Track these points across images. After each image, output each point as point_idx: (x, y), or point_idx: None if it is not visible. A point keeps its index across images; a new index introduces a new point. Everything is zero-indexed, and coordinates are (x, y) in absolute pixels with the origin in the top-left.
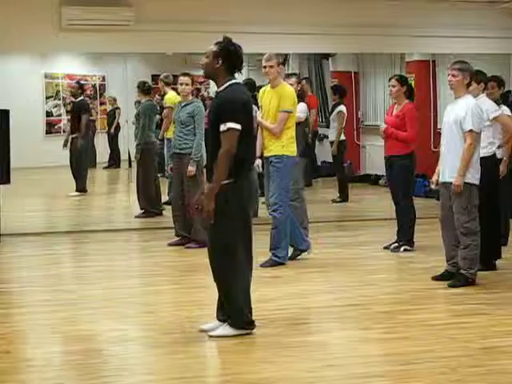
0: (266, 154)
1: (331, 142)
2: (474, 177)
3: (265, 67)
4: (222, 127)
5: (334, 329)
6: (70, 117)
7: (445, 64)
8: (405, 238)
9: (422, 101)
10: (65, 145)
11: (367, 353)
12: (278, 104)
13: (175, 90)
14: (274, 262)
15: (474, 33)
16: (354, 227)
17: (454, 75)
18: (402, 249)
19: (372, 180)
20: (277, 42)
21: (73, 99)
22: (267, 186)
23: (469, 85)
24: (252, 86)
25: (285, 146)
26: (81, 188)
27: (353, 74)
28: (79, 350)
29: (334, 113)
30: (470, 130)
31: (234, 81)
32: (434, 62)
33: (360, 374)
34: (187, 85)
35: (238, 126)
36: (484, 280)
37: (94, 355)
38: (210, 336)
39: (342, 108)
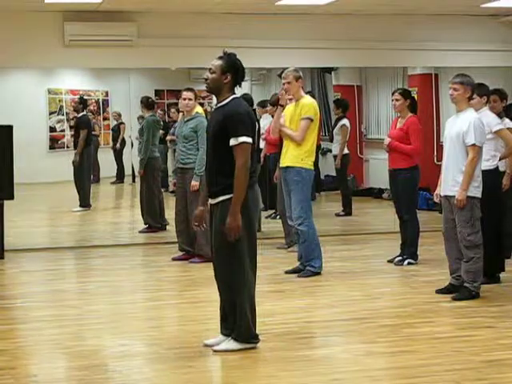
0: (282, 164)
1: (335, 156)
2: (476, 190)
3: (283, 84)
4: (234, 141)
5: (338, 343)
6: (73, 132)
7: (448, 77)
8: (409, 251)
9: (424, 114)
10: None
11: (372, 366)
12: (300, 114)
13: (201, 104)
14: (312, 273)
15: (477, 46)
16: (357, 241)
17: (455, 89)
18: (406, 262)
19: (375, 193)
20: (279, 56)
21: (76, 114)
22: (280, 194)
23: (470, 98)
24: (249, 101)
25: (303, 159)
26: (84, 203)
27: (355, 88)
28: (84, 366)
29: (338, 127)
30: (473, 144)
31: (236, 95)
32: (436, 75)
33: None
34: (190, 100)
35: (250, 140)
36: (488, 293)
37: (98, 371)
38: (215, 351)
39: (346, 122)
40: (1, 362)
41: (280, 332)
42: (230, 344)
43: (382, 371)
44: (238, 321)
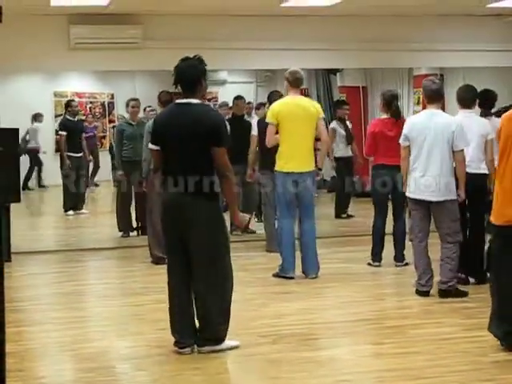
0: None
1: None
2: (407, 189)
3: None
4: None
5: (344, 344)
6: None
7: (453, 78)
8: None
9: None
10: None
11: (378, 368)
12: None
13: None
14: (276, 273)
15: (482, 46)
16: (362, 242)
17: None
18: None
19: None
20: (284, 58)
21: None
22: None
23: (428, 101)
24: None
25: (275, 162)
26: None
27: (361, 89)
28: (90, 368)
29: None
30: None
31: (174, 102)
32: (441, 75)
33: None
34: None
35: (152, 146)
36: None
37: (105, 372)
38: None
39: (335, 125)
40: (9, 364)
41: (286, 334)
42: None
43: (388, 372)
44: None
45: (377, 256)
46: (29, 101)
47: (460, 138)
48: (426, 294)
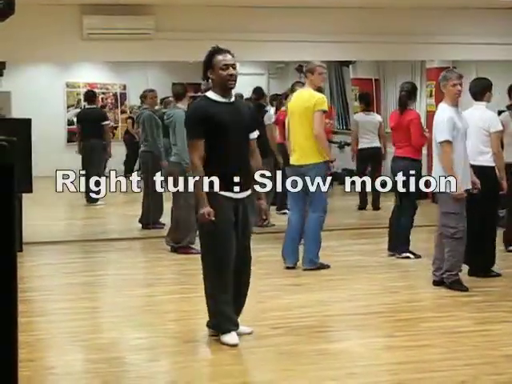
0: None
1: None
2: None
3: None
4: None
5: (356, 337)
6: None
7: (465, 71)
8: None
9: None
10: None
11: (389, 361)
12: None
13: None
14: None
15: (495, 39)
16: (375, 235)
17: (461, 84)
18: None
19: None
20: (296, 50)
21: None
22: None
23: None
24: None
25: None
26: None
27: (373, 81)
28: (101, 358)
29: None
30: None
31: None
32: (454, 68)
33: (382, 382)
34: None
35: None
36: (505, 287)
37: (115, 363)
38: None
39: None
40: (19, 354)
41: (297, 326)
42: None
43: (400, 365)
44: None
45: (390, 247)
46: (41, 91)
47: (437, 130)
48: (434, 283)
